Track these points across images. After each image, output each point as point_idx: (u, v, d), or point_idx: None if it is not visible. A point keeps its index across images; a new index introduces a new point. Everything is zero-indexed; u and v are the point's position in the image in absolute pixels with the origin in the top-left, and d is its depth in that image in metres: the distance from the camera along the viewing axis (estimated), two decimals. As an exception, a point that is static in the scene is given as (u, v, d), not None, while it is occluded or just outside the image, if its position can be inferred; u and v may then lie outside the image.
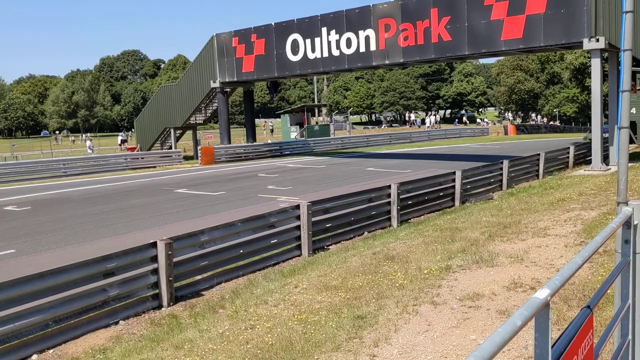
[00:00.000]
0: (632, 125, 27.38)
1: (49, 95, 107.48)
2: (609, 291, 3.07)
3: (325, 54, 26.55)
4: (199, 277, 8.42)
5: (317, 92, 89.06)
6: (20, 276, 6.51)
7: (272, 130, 68.65)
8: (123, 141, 45.48)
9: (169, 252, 7.63)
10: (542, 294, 1.85)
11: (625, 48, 3.70)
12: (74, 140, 69.92)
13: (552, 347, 1.98)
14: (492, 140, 43.54)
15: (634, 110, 26.70)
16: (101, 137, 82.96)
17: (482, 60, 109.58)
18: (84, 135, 79.60)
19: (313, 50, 26.94)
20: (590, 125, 21.26)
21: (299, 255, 10.00)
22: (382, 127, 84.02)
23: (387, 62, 25.24)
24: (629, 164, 4.48)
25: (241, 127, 63.33)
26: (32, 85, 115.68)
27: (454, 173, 14.43)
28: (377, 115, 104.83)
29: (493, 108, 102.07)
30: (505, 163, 16.72)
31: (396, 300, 6.28)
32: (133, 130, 49.74)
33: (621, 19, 3.65)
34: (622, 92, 3.66)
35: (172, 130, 35.11)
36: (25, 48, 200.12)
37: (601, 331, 3.23)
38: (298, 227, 10.03)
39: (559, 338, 2.09)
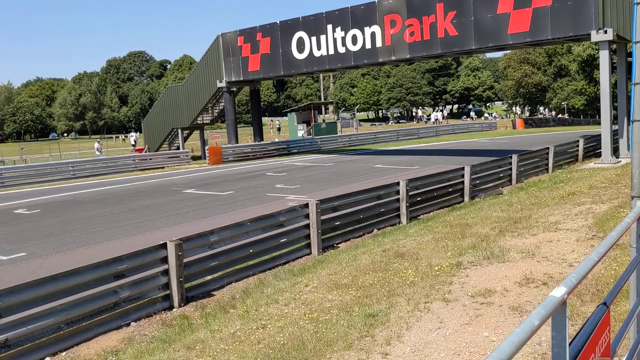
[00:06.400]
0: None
1: (57, 97, 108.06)
2: (623, 286, 3.03)
3: (331, 51, 26.50)
4: (209, 277, 8.41)
5: (324, 89, 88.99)
6: (33, 279, 6.53)
7: (279, 129, 68.67)
8: (134, 142, 45.58)
9: (179, 253, 7.63)
10: (559, 292, 1.82)
11: (637, 40, 3.65)
12: (124, 139, 70.48)
13: (569, 345, 1.95)
14: (500, 135, 43.33)
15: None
16: (109, 138, 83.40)
17: (489, 54, 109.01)
18: (126, 134, 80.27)
19: (319, 47, 26.90)
20: (599, 117, 21.09)
21: (308, 254, 9.98)
22: (389, 123, 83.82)
23: (393, 58, 25.16)
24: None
25: (248, 126, 63.45)
26: (40, 89, 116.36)
27: (462, 168, 14.36)
28: (384, 112, 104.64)
29: (500, 102, 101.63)
30: (514, 157, 16.62)
31: (407, 297, 6.25)
32: (138, 132, 49.99)
33: (630, 10, 3.60)
34: (634, 84, 3.61)
35: (179, 131, 35.20)
36: (33, 51, 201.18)
37: (617, 327, 3.19)
38: (307, 226, 10.01)
39: (576, 336, 2.06)
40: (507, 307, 5.67)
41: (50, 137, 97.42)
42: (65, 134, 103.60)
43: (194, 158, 33.51)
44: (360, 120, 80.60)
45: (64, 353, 6.44)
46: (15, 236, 12.85)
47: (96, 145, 40.11)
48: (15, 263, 10.39)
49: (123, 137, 54.13)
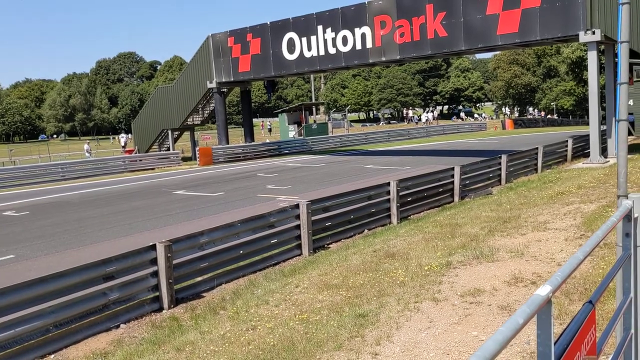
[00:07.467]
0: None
1: (46, 99, 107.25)
2: (610, 285, 3.06)
3: (322, 52, 26.52)
4: (199, 278, 8.39)
5: (315, 90, 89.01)
6: (21, 281, 6.49)
7: (270, 130, 68.59)
8: (125, 143, 45.40)
9: (169, 255, 7.61)
10: (544, 290, 1.83)
11: (622, 40, 3.68)
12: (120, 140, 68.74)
13: (555, 343, 1.96)
14: (490, 135, 43.55)
15: (631, 102, 26.70)
16: (100, 139, 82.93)
17: (479, 55, 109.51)
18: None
19: (309, 48, 26.91)
20: (587, 118, 21.27)
21: (299, 255, 9.98)
22: (380, 124, 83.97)
23: (383, 59, 25.22)
24: (628, 156, 4.47)
25: (239, 127, 63.31)
26: (29, 90, 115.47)
27: (452, 169, 14.41)
28: (375, 113, 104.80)
29: (490, 103, 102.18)
30: (504, 158, 16.71)
31: (397, 297, 6.26)
32: (128, 134, 49.76)
33: (617, 11, 3.64)
34: (619, 84, 3.64)
35: (169, 132, 35.08)
36: (22, 53, 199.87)
37: (603, 325, 3.22)
38: (298, 227, 10.01)
39: (561, 334, 2.07)
40: (496, 307, 5.69)
41: (39, 139, 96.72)
42: (55, 136, 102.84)
43: (185, 159, 33.40)
44: (352, 121, 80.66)
45: (53, 355, 6.40)
46: (4, 238, 12.75)
47: (86, 146, 39.90)
48: (4, 265, 10.31)
49: (120, 137, 53.85)
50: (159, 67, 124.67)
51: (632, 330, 3.10)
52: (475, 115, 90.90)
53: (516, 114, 78.92)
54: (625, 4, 3.61)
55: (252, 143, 34.25)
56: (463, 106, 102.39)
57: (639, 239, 3.15)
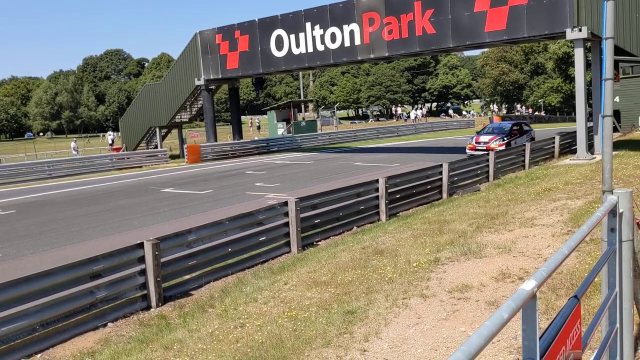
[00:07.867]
0: (616, 114, 27.66)
1: (32, 97, 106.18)
2: (596, 279, 3.08)
3: (310, 49, 26.48)
4: (187, 276, 8.36)
5: (303, 87, 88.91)
6: (7, 280, 6.42)
7: (259, 127, 68.39)
8: (112, 141, 45.16)
9: (156, 253, 7.56)
10: (529, 285, 1.83)
11: (607, 36, 3.71)
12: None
13: (540, 338, 1.97)
14: (478, 132, 43.67)
15: (617, 99, 26.95)
16: (90, 137, 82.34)
17: (467, 53, 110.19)
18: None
19: (298, 45, 26.86)
20: (574, 114, 21.44)
21: (288, 252, 9.96)
22: (369, 121, 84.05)
23: (372, 56, 25.23)
24: (614, 153, 4.51)
25: (227, 124, 63.04)
26: (15, 87, 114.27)
27: (440, 165, 14.45)
28: (363, 110, 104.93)
29: (478, 100, 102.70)
30: (492, 154, 16.79)
31: (386, 294, 6.27)
32: (115, 132, 49.41)
33: (603, 8, 3.66)
34: (604, 80, 3.67)
35: (157, 130, 34.89)
36: (7, 50, 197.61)
37: (589, 319, 3.24)
38: (286, 224, 10.00)
39: (546, 329, 2.08)
40: (484, 302, 5.72)
41: (25, 137, 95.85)
42: (42, 134, 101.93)
43: (172, 157, 33.24)
44: (340, 119, 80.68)
45: (39, 355, 6.35)
46: (-11, 237, 12.61)
47: (73, 144, 39.56)
48: (-11, 265, 10.19)
49: (107, 135, 53.04)
50: (146, 65, 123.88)
51: (617, 325, 3.12)
52: (464, 113, 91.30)
53: (504, 111, 79.37)
54: (610, 1, 3.64)
55: (241, 141, 34.14)
56: (451, 103, 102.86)
57: (624, 234, 3.18)
